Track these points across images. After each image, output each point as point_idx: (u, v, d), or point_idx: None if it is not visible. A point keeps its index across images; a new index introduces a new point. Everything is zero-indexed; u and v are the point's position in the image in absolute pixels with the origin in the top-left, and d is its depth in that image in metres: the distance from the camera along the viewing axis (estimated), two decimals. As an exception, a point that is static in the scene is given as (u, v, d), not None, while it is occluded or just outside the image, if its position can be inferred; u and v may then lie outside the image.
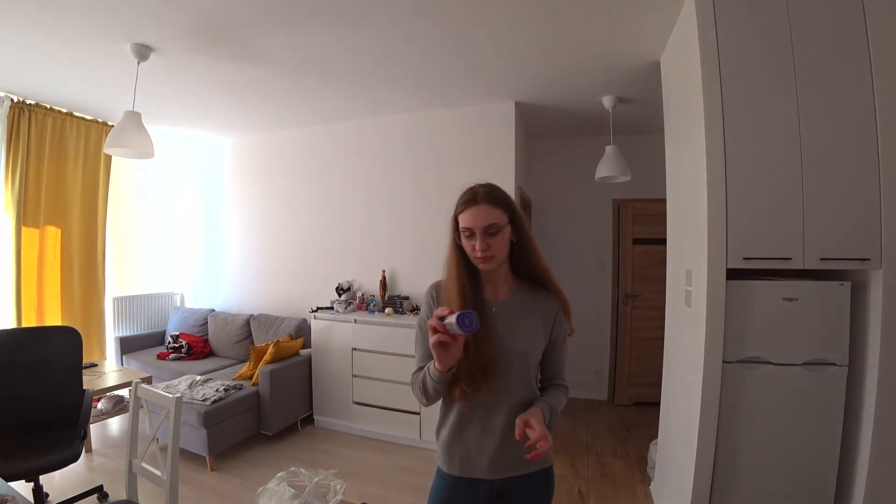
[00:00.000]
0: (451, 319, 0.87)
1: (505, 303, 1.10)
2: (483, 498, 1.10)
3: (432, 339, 0.91)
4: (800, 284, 1.70)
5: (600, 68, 2.64)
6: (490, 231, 1.02)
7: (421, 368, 1.10)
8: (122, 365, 3.81)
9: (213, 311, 4.23)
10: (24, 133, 3.15)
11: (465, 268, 1.08)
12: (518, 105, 3.27)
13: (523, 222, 1.09)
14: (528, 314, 1.10)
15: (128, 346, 3.96)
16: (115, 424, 3.37)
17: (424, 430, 3.08)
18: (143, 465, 1.58)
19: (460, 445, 1.10)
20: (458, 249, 1.08)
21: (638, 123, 3.60)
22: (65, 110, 3.40)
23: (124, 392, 3.27)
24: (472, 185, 1.09)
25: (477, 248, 1.02)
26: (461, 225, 1.05)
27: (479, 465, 1.08)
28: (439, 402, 1.13)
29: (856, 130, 1.60)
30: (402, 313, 3.34)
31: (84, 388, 2.32)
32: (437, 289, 1.14)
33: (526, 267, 1.11)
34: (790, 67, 1.64)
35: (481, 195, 1.04)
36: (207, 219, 4.57)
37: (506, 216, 1.05)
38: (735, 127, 1.68)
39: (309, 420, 3.49)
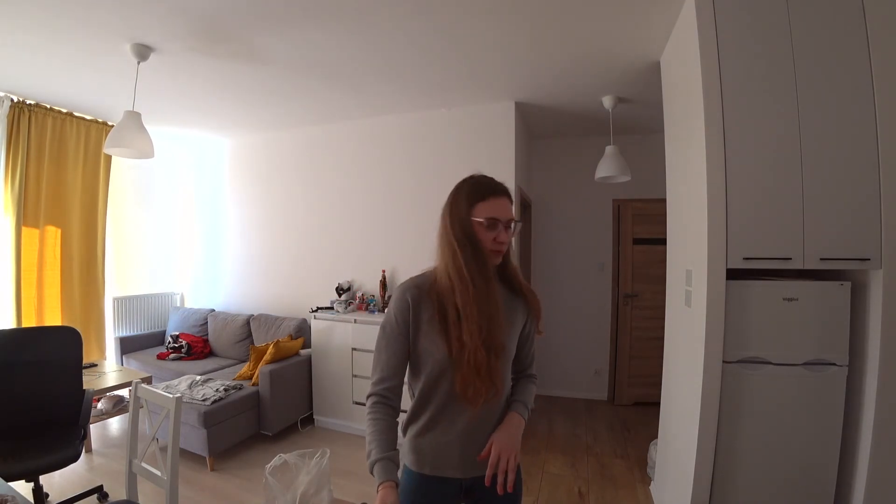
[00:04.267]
0: None
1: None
2: (452, 496, 1.09)
3: None
4: (800, 284, 1.70)
5: (600, 68, 2.64)
6: (510, 224, 1.03)
7: (384, 389, 1.03)
8: (122, 365, 3.81)
9: (213, 311, 4.23)
10: (24, 133, 3.15)
11: (488, 264, 1.02)
12: (518, 105, 3.27)
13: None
14: (509, 311, 1.08)
15: (128, 346, 3.96)
16: (115, 424, 3.37)
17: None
18: (143, 465, 1.58)
19: (433, 444, 1.07)
20: (469, 245, 1.00)
21: (638, 123, 3.60)
22: (65, 110, 3.40)
23: (124, 392, 3.27)
24: (476, 175, 1.08)
25: (502, 239, 1.02)
26: (483, 215, 1.00)
27: (451, 465, 1.07)
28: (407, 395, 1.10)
29: (856, 130, 1.60)
30: (402, 313, 3.32)
31: (84, 388, 2.32)
32: (418, 290, 1.04)
33: (506, 262, 1.09)
34: (790, 67, 1.64)
35: (502, 189, 1.06)
36: (207, 219, 4.57)
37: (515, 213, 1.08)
38: (735, 127, 1.68)
39: (309, 420, 3.49)
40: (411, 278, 1.09)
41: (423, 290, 1.04)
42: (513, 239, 1.09)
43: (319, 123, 3.87)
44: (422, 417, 1.08)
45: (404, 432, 1.13)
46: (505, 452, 1.00)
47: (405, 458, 1.11)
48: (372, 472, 0.95)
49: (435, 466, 1.07)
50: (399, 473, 1.03)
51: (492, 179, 1.07)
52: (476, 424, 1.05)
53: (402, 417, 1.12)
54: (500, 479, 0.98)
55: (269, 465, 1.09)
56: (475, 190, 1.04)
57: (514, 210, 1.07)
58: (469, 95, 3.17)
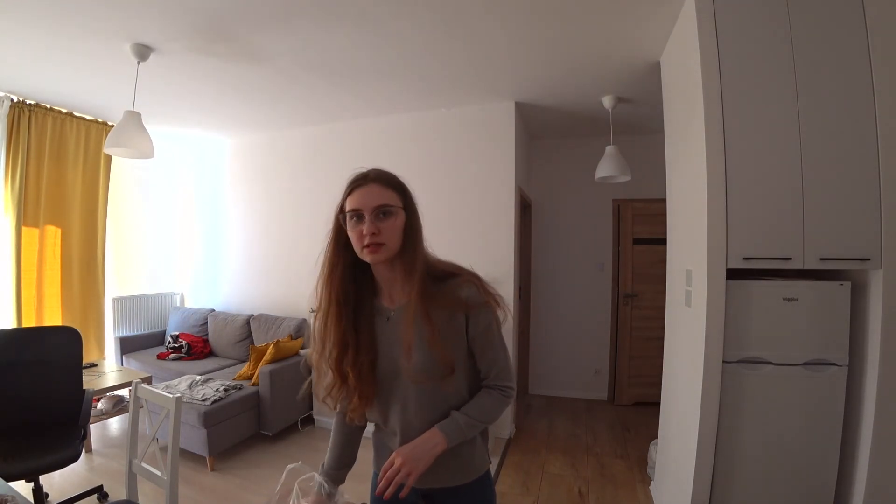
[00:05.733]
0: None
1: (404, 308, 0.94)
2: (410, 500, 1.02)
3: None
4: (800, 284, 1.70)
5: (600, 68, 2.64)
6: (381, 212, 0.89)
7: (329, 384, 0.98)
8: (122, 365, 3.81)
9: (213, 311, 4.23)
10: (24, 133, 3.15)
11: (350, 267, 0.94)
12: (518, 105, 3.27)
13: (416, 210, 0.97)
14: (434, 316, 0.91)
15: (128, 346, 3.96)
16: (115, 424, 3.37)
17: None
18: (143, 465, 1.58)
19: (381, 447, 1.06)
20: (342, 245, 0.94)
21: (638, 123, 3.60)
22: (65, 110, 3.40)
23: (124, 392, 3.27)
24: (362, 168, 0.97)
25: (365, 231, 0.88)
26: (347, 208, 0.91)
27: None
28: None
29: (856, 130, 1.60)
30: (402, 313, 3.33)
31: (84, 388, 2.32)
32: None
33: (410, 257, 0.93)
34: (790, 67, 1.64)
35: (372, 176, 0.93)
36: (207, 219, 4.57)
37: (400, 200, 0.93)
38: (735, 127, 1.68)
39: (309, 420, 3.49)
40: None
41: None
42: (410, 230, 0.93)
43: (320, 123, 3.87)
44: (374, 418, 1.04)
45: None
46: (400, 464, 0.87)
47: (373, 456, 1.11)
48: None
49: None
50: None
51: (367, 170, 0.95)
52: (414, 432, 0.94)
53: None
54: (380, 486, 0.87)
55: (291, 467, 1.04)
56: (347, 185, 0.95)
57: (397, 197, 0.93)
58: (469, 95, 3.17)
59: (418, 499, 1.04)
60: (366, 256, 0.90)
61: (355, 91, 3.10)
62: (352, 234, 0.91)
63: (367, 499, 1.12)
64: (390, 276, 0.96)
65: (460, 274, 0.96)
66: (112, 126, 3.60)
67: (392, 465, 0.88)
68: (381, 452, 1.06)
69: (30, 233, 3.24)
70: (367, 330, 0.96)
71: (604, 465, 2.89)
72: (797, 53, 1.64)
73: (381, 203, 0.90)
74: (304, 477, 0.98)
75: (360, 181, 0.93)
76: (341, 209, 0.95)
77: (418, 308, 0.91)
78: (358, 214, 0.90)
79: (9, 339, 2.24)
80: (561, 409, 3.92)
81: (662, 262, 2.51)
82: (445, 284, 0.94)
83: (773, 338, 1.71)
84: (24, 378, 2.16)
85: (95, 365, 3.24)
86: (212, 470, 2.74)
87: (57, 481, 2.48)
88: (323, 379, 0.98)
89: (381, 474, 0.89)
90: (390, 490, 0.86)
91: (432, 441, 0.90)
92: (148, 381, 3.02)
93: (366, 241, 0.88)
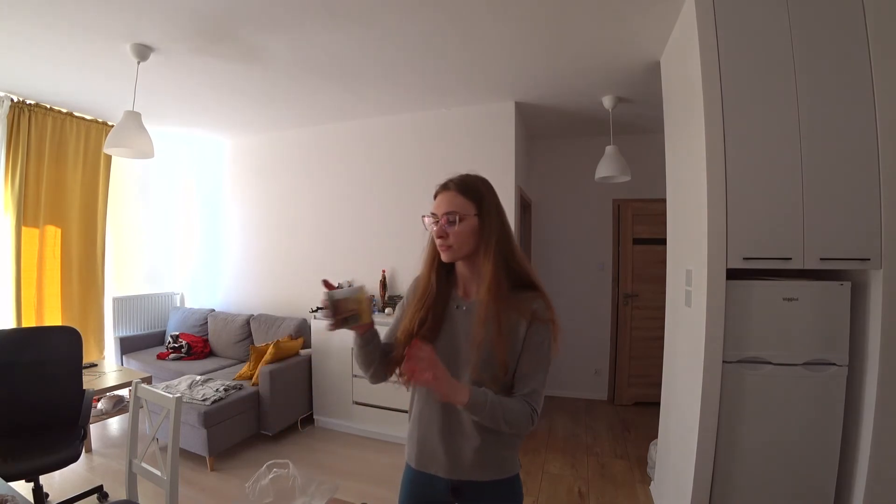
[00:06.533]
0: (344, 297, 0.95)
1: (476, 303, 1.02)
2: (441, 493, 1.06)
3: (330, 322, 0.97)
4: (800, 284, 1.70)
5: (600, 68, 2.64)
6: (451, 219, 0.99)
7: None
8: (122, 365, 3.81)
9: (213, 311, 4.22)
10: (24, 133, 3.15)
11: (439, 261, 1.07)
12: (518, 105, 3.27)
13: (495, 217, 1.01)
14: (504, 319, 0.97)
15: (128, 346, 3.96)
16: (115, 424, 3.37)
17: (424, 430, 3.08)
18: (143, 465, 1.58)
19: (419, 438, 1.08)
20: (434, 242, 1.07)
21: (638, 123, 3.60)
22: (65, 110, 3.40)
23: (124, 392, 3.27)
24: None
25: (435, 234, 1.02)
26: (430, 211, 1.05)
27: (435, 463, 1.06)
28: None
29: (856, 130, 1.60)
30: (402, 313, 3.33)
31: (84, 388, 2.32)
32: (416, 280, 1.15)
33: (477, 265, 1.03)
34: (790, 67, 1.64)
35: (454, 182, 1.03)
36: (207, 219, 4.57)
37: (473, 207, 1.00)
38: (735, 127, 1.68)
39: (309, 420, 3.49)
40: None
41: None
42: (509, 235, 1.02)
43: (320, 123, 3.87)
44: (413, 409, 1.12)
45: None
46: (432, 364, 0.88)
47: (406, 449, 1.14)
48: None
49: (420, 462, 1.08)
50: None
51: (455, 176, 1.06)
52: (455, 426, 1.02)
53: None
54: (407, 364, 0.90)
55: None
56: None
57: (471, 204, 1.00)
58: (469, 95, 3.17)
59: (448, 493, 1.06)
60: (441, 253, 1.03)
61: (355, 91, 3.10)
62: (434, 233, 1.04)
63: (368, 499, 1.14)
64: (466, 273, 1.07)
65: (538, 289, 1.04)
66: (112, 126, 3.60)
67: (425, 354, 0.89)
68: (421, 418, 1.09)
69: (30, 233, 3.24)
70: (440, 314, 1.07)
71: (604, 465, 2.89)
72: (797, 53, 1.64)
73: (449, 210, 1.00)
74: (280, 462, 1.02)
75: (442, 187, 1.05)
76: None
77: (491, 309, 0.97)
78: (435, 217, 1.03)
79: (9, 339, 2.23)
80: (561, 408, 3.92)
81: (662, 262, 2.51)
82: (523, 293, 1.02)
83: (773, 338, 1.71)
84: (24, 378, 2.16)
85: (95, 365, 3.23)
86: (212, 470, 2.74)
87: (57, 481, 2.48)
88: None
89: (410, 351, 0.91)
90: (411, 368, 0.89)
91: (460, 388, 0.92)
92: (148, 381, 3.02)
93: (438, 243, 1.02)
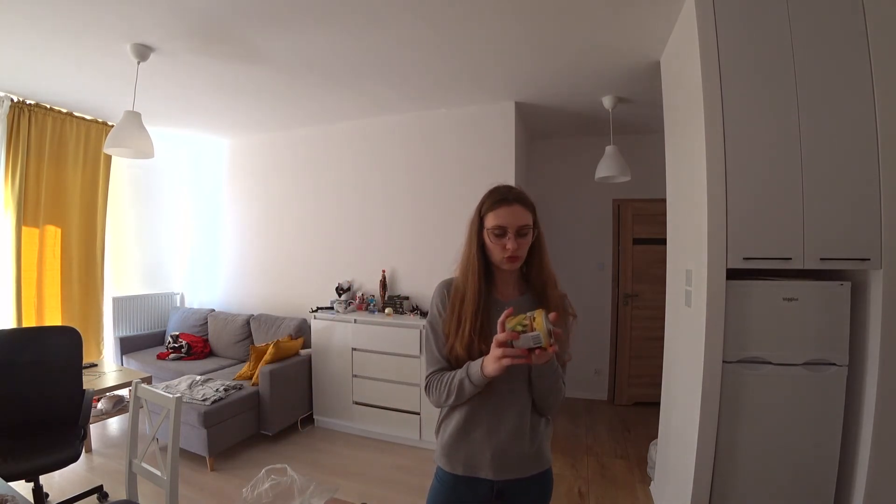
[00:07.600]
0: (527, 336, 0.90)
1: (514, 303, 1.08)
2: (483, 498, 1.10)
3: (504, 359, 0.91)
4: (800, 284, 1.70)
5: (600, 68, 2.64)
6: (522, 232, 1.05)
7: (442, 370, 1.09)
8: (122, 365, 3.81)
9: (213, 310, 4.22)
10: (24, 133, 3.15)
11: (483, 265, 1.10)
12: (518, 105, 3.27)
13: (541, 227, 1.12)
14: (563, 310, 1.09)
15: (128, 346, 3.96)
16: (115, 424, 3.37)
17: (424, 430, 3.08)
18: (143, 465, 1.58)
19: (465, 445, 1.10)
20: (478, 247, 1.09)
21: (638, 123, 3.60)
22: (65, 110, 3.40)
23: (124, 392, 3.27)
24: (497, 185, 1.12)
25: (509, 247, 1.04)
26: (491, 223, 1.06)
27: (484, 465, 1.08)
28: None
29: (856, 130, 1.60)
30: (402, 313, 3.34)
31: (84, 388, 2.32)
32: (447, 287, 1.14)
33: (537, 271, 1.12)
34: (790, 67, 1.64)
35: (514, 196, 1.07)
36: (207, 218, 4.57)
37: (531, 217, 1.08)
38: (735, 127, 1.68)
39: (309, 420, 3.49)
40: (446, 279, 1.17)
41: (450, 288, 1.13)
42: (545, 243, 1.12)
43: (319, 123, 3.87)
44: (454, 416, 1.11)
45: (437, 433, 1.16)
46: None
47: (438, 459, 1.15)
48: (472, 380, 1.00)
49: (468, 467, 1.09)
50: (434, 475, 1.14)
51: (507, 188, 1.10)
52: (510, 425, 1.07)
53: (435, 418, 1.17)
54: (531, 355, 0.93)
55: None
56: (487, 199, 1.10)
57: (531, 216, 1.08)
58: (469, 95, 3.17)
59: (492, 495, 1.10)
60: (504, 265, 1.07)
61: (355, 92, 3.10)
62: (494, 245, 1.06)
63: (368, 499, 1.14)
64: (507, 277, 1.13)
65: (557, 287, 1.14)
66: (112, 126, 3.60)
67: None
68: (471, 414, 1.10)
69: (30, 233, 3.24)
70: (487, 318, 1.08)
71: (604, 465, 2.89)
72: (797, 53, 1.64)
73: (522, 224, 1.06)
74: (277, 467, 1.01)
75: (504, 201, 1.07)
76: (480, 218, 1.09)
77: (560, 305, 1.08)
78: (503, 230, 1.05)
79: (9, 339, 2.24)
80: (561, 408, 3.89)
81: (662, 262, 2.51)
82: (547, 294, 1.11)
83: (773, 338, 1.71)
84: (24, 378, 2.15)
85: (95, 365, 3.23)
86: (212, 470, 2.74)
87: (57, 481, 2.48)
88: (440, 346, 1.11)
89: (506, 315, 0.94)
90: (552, 338, 0.90)
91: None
92: (148, 381, 3.02)
93: (508, 255, 1.05)
